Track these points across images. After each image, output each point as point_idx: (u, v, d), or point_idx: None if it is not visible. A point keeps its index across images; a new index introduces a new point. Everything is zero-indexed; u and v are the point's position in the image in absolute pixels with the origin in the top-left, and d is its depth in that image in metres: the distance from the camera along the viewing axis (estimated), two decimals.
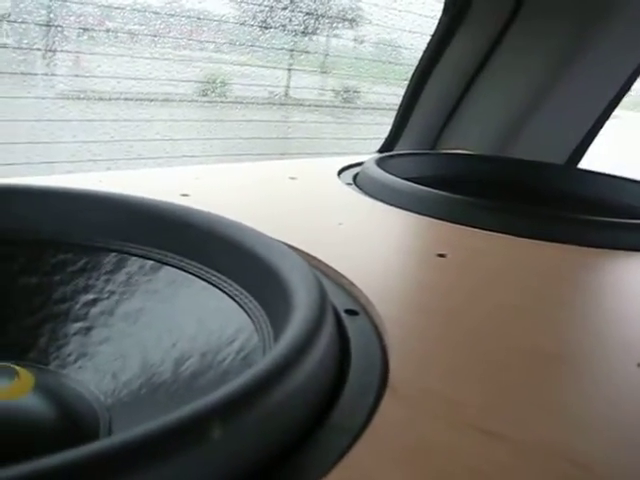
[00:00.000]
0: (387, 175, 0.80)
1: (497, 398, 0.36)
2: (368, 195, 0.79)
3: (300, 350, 0.31)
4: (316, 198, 0.75)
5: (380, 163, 0.87)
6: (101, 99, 1.38)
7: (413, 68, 1.27)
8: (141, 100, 1.56)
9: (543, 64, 1.18)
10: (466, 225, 0.68)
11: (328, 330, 0.36)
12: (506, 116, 1.25)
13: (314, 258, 0.52)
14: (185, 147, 1.63)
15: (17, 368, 0.44)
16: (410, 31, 1.84)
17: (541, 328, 0.47)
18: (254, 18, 2.48)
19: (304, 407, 0.31)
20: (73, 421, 0.43)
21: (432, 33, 1.23)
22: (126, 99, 1.41)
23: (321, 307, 0.37)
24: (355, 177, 0.87)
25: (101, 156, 1.27)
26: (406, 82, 1.31)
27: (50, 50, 1.33)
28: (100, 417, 0.44)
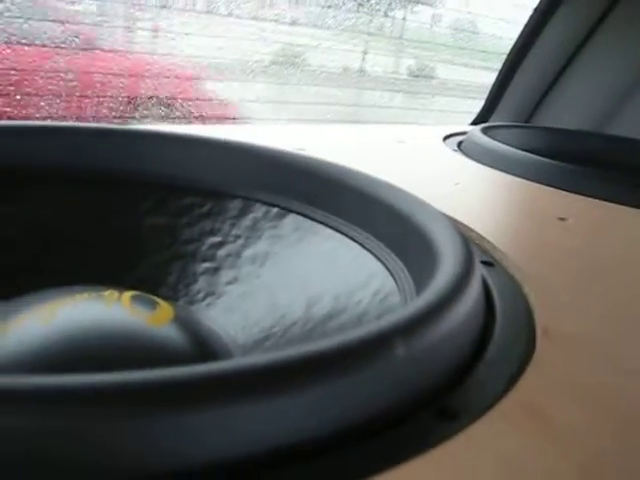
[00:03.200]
0: (496, 143, 0.80)
1: None
2: (476, 161, 0.79)
3: (460, 286, 0.32)
4: (427, 161, 0.75)
5: (485, 132, 0.87)
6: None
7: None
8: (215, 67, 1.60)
9: None
10: (579, 194, 0.68)
11: (478, 272, 0.36)
12: (604, 96, 1.23)
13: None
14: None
15: (157, 299, 0.46)
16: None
17: None
18: None
19: (467, 338, 0.32)
20: (211, 352, 0.44)
21: (535, 7, 1.21)
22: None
23: (467, 249, 0.37)
24: (459, 144, 0.87)
25: None
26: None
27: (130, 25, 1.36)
28: (234, 352, 0.45)
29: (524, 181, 0.70)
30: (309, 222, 0.51)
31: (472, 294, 0.33)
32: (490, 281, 0.42)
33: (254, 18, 2.53)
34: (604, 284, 0.45)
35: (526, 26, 1.23)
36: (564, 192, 0.68)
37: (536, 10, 1.21)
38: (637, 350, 0.35)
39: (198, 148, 0.56)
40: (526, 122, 1.29)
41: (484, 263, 0.45)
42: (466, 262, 0.34)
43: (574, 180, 0.70)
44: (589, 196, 0.67)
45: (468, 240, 0.40)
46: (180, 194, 0.55)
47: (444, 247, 0.38)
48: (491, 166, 0.76)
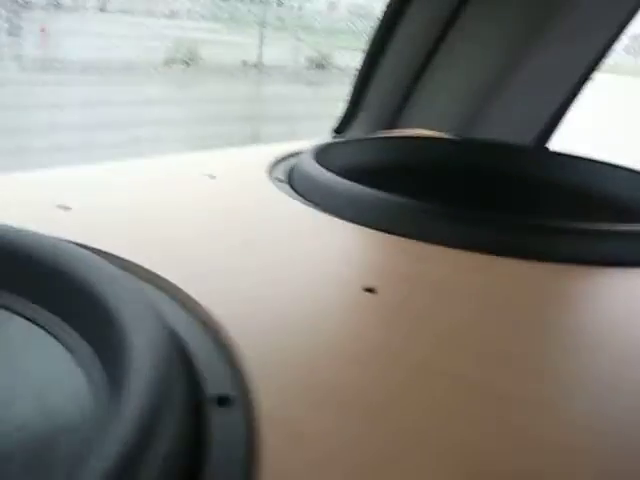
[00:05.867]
0: (321, 170, 0.67)
1: None
2: (300, 196, 0.66)
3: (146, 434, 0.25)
4: (230, 205, 0.61)
5: (321, 153, 0.74)
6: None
7: None
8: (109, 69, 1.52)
9: (510, 36, 1.06)
10: (410, 237, 0.55)
11: (171, 422, 0.27)
12: (470, 93, 1.12)
13: (189, 298, 0.40)
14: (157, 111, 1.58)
15: None
16: None
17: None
18: None
19: None
20: None
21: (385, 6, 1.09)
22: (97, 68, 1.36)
23: (167, 353, 0.30)
24: (290, 172, 0.74)
25: None
26: None
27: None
28: None
29: (345, 224, 0.58)
30: None
31: (166, 434, 0.26)
32: (215, 428, 0.30)
33: (147, 14, 2.48)
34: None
35: (381, 20, 1.11)
36: (396, 237, 0.56)
37: (390, 2, 1.10)
38: None
39: None
40: (391, 127, 1.18)
41: (221, 400, 0.32)
42: (162, 380, 0.28)
43: (403, 220, 0.58)
44: (419, 239, 0.55)
45: (172, 358, 0.29)
46: None
47: (141, 349, 0.30)
48: (313, 203, 0.63)
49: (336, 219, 0.59)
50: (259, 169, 0.73)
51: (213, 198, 0.63)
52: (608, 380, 0.38)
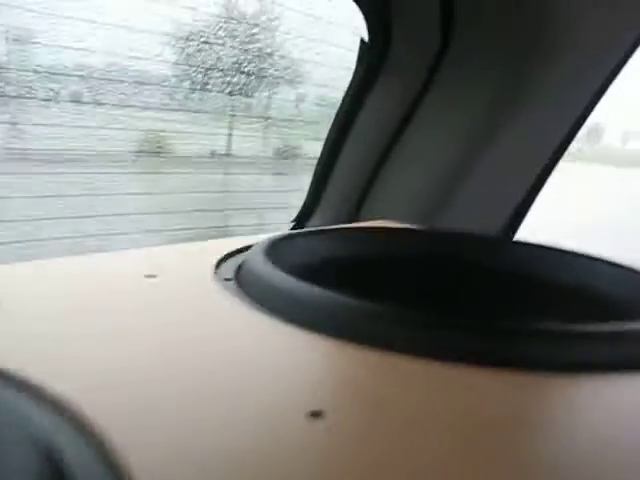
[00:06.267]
0: (268, 267, 0.61)
1: None
2: (247, 296, 0.59)
3: None
4: (165, 307, 0.55)
5: (271, 248, 0.68)
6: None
7: None
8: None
9: (472, 125, 1.02)
10: (361, 344, 0.48)
11: None
12: (433, 182, 1.08)
13: (88, 421, 0.33)
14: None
15: None
16: None
17: None
18: (193, 80, 2.53)
19: None
20: None
21: (347, 87, 1.07)
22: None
23: None
24: (238, 269, 0.68)
25: None
26: None
27: None
28: None
29: (295, 331, 0.51)
30: None
31: None
32: None
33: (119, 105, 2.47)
34: None
35: (340, 109, 1.08)
36: (357, 346, 0.49)
37: (349, 90, 1.07)
38: None
39: None
40: (353, 218, 1.13)
41: None
42: None
43: (364, 326, 0.52)
44: (380, 348, 0.48)
45: None
46: None
47: None
48: (263, 305, 0.57)
49: (281, 323, 0.53)
50: (205, 266, 0.67)
51: (148, 300, 0.56)
52: None
